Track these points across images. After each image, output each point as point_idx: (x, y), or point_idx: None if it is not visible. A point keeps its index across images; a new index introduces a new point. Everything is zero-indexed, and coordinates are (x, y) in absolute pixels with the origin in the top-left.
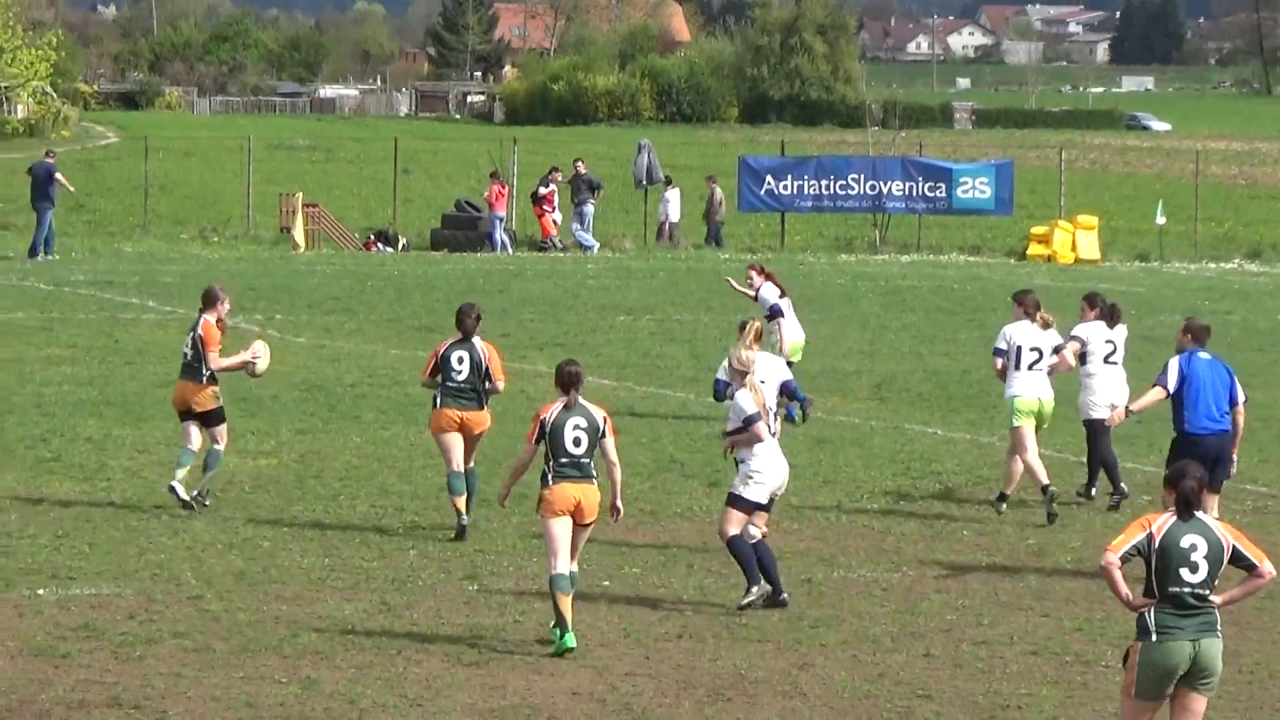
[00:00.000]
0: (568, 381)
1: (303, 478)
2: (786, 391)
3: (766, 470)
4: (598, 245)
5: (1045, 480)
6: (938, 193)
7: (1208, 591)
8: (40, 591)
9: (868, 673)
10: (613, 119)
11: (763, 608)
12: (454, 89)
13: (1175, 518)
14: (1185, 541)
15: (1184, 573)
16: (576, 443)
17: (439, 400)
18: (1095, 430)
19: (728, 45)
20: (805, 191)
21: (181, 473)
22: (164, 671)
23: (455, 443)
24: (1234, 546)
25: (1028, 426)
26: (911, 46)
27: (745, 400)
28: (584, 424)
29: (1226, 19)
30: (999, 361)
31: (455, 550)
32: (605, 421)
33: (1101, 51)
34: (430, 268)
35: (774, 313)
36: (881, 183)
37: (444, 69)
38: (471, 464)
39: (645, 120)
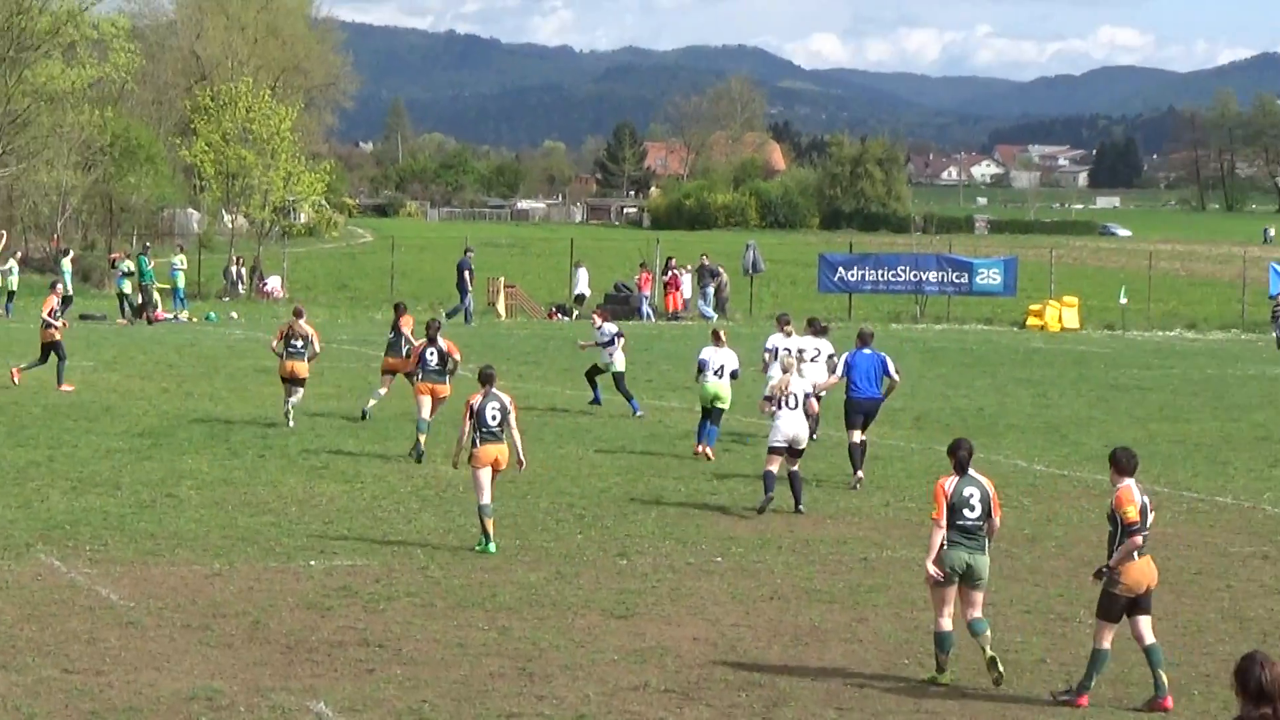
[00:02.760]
0: (485, 379)
1: (501, 483)
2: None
3: (779, 427)
4: (716, 317)
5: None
6: (962, 280)
7: (982, 523)
8: (312, 562)
9: (907, 625)
10: (728, 225)
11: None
12: (614, 203)
13: (957, 476)
14: (965, 491)
15: (965, 511)
16: (494, 418)
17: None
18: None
19: (812, 173)
20: (866, 278)
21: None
22: (399, 621)
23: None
24: (991, 493)
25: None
26: (945, 175)
27: (770, 382)
28: (498, 405)
29: (1174, 155)
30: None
31: (610, 534)
32: (510, 403)
33: (1082, 178)
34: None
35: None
36: (921, 272)
37: (607, 188)
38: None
39: (751, 226)
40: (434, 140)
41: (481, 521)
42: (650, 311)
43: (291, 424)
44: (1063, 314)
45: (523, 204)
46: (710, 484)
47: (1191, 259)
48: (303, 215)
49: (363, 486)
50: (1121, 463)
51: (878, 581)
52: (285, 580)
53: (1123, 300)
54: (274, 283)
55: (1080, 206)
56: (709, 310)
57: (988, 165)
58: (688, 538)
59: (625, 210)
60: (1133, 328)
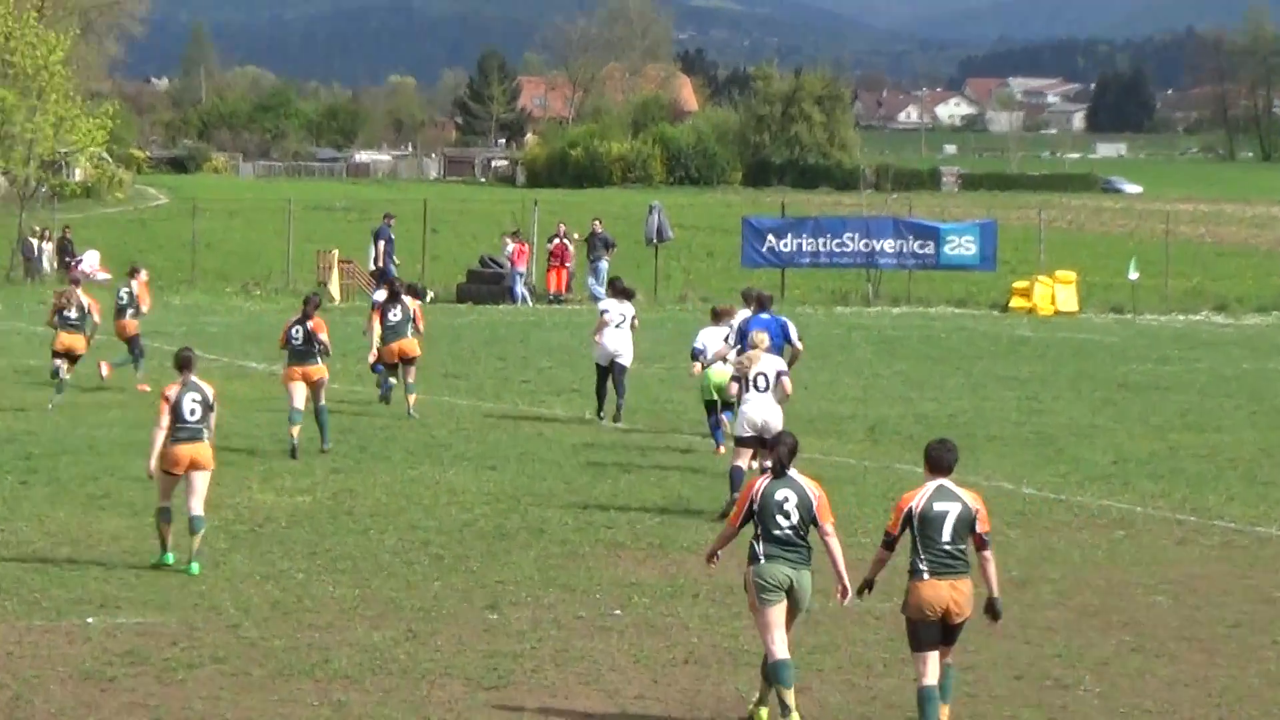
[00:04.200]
0: (183, 364)
1: (335, 514)
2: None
3: (746, 414)
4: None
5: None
6: (927, 250)
7: (802, 533)
8: (90, 620)
9: (861, 696)
10: (626, 182)
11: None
12: (479, 155)
13: (771, 478)
14: (779, 495)
15: (779, 518)
16: (192, 412)
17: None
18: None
19: (732, 114)
20: (804, 249)
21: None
22: (204, 695)
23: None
24: (817, 500)
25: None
26: (902, 116)
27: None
28: (198, 397)
29: (1194, 90)
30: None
31: (478, 581)
32: (213, 395)
33: (1078, 120)
34: (456, 319)
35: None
36: (874, 241)
37: (470, 136)
38: (323, 401)
39: (656, 183)
40: (247, 75)
41: (160, 529)
42: (526, 293)
43: (57, 399)
44: (1056, 293)
45: (362, 156)
46: (607, 515)
47: (1219, 221)
48: (78, 172)
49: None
50: (931, 457)
51: (823, 640)
52: (55, 643)
53: (1133, 275)
54: (91, 260)
55: (1076, 156)
56: (601, 290)
57: (957, 104)
58: (577, 584)
59: (494, 164)
60: (1146, 310)
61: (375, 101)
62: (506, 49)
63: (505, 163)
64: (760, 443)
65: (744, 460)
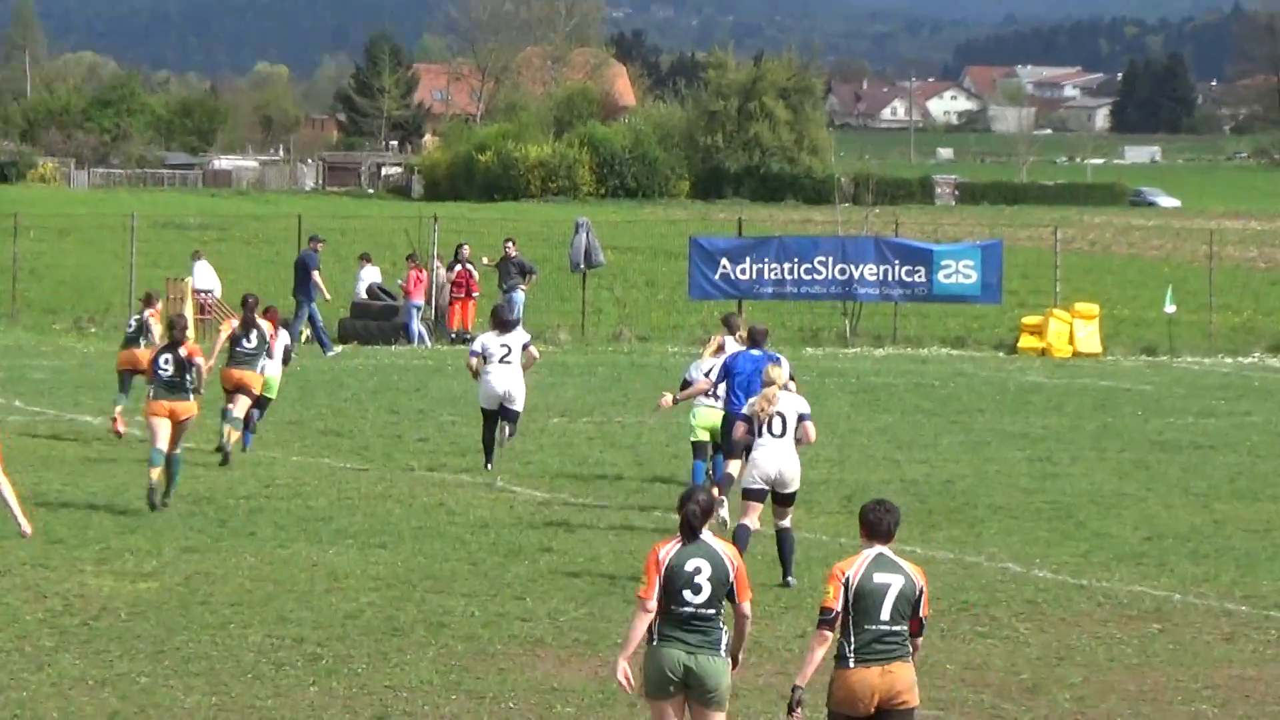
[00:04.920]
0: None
1: (188, 603)
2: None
3: (758, 461)
4: (530, 338)
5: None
6: (916, 277)
7: (712, 611)
8: None
9: None
10: (547, 194)
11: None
12: (367, 160)
13: (680, 543)
14: (690, 565)
15: (686, 594)
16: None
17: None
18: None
19: (678, 111)
20: (766, 276)
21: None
22: None
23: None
24: (735, 571)
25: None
26: (886, 113)
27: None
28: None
29: (1243, 82)
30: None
31: (363, 686)
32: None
33: (1101, 118)
34: (338, 363)
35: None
36: (853, 266)
37: (356, 137)
38: (178, 450)
39: (584, 195)
40: (82, 63)
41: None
42: (424, 330)
43: None
44: (1075, 331)
45: (222, 162)
46: (522, 604)
47: (1275, 241)
48: None
49: None
50: (868, 520)
51: None
52: None
53: (1169, 309)
54: None
55: (1099, 162)
56: None
57: (954, 98)
58: (486, 690)
59: (385, 171)
60: (1185, 352)
61: (239, 95)
62: (400, 31)
63: (399, 170)
64: (776, 498)
65: (752, 518)
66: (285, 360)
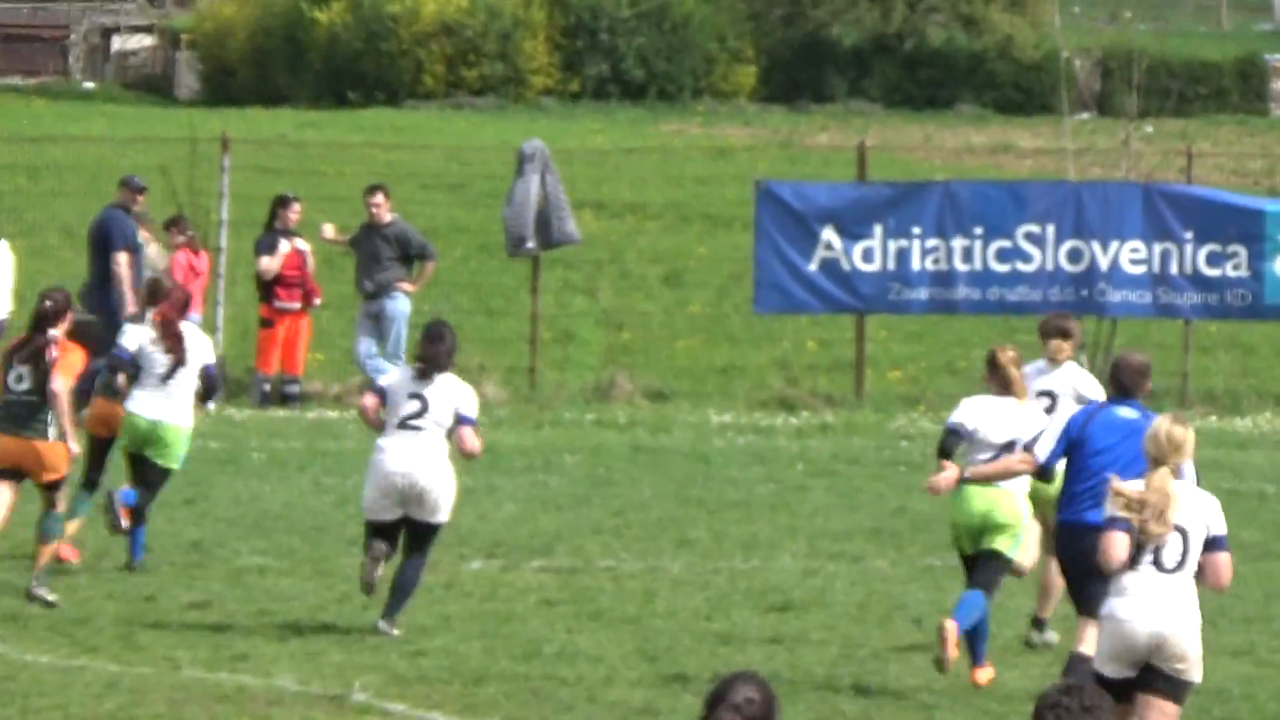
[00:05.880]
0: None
1: None
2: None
3: (1116, 621)
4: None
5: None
6: (1230, 269)
7: None
8: None
9: None
10: (459, 93)
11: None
12: (82, 23)
13: None
14: None
15: None
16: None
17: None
18: None
19: None
20: (917, 264)
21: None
22: None
23: None
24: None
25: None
26: None
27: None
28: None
29: None
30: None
31: None
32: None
33: None
34: None
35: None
36: (1098, 244)
37: None
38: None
39: (536, 96)
40: None
41: None
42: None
43: None
44: None
45: None
46: None
47: None
48: None
49: None
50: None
51: None
52: None
53: None
54: None
55: None
56: (383, 365)
57: None
58: None
59: (120, 45)
60: None
61: None
62: None
63: (148, 44)
64: (1147, 685)
65: None
66: None
